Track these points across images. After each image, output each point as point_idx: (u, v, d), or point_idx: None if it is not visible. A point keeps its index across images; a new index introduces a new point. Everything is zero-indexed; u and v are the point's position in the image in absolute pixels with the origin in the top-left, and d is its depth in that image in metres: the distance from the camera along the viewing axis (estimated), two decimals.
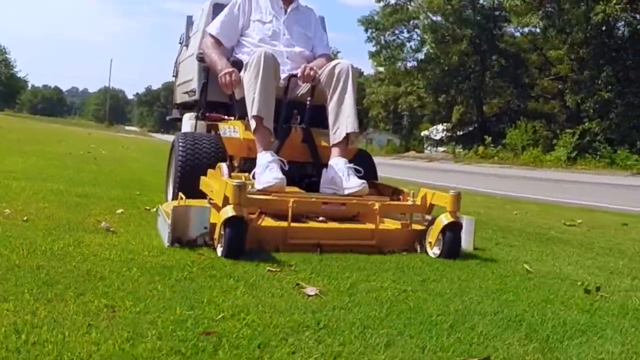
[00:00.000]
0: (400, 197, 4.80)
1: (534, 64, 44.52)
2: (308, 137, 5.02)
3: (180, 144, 5.10)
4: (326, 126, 5.06)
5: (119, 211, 5.22)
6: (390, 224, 4.57)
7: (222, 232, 3.73)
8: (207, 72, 5.53)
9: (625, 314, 3.18)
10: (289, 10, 5.57)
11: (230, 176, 4.53)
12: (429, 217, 4.60)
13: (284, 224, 4.13)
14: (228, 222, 3.69)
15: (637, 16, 36.39)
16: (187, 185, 4.79)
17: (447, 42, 51.44)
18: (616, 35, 37.74)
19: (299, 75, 4.93)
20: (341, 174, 4.62)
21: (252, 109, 4.62)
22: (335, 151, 4.84)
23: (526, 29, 44.36)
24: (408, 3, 53.97)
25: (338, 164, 4.71)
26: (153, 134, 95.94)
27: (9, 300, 2.44)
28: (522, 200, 11.54)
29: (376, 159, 5.98)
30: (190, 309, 2.60)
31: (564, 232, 6.58)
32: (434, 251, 4.31)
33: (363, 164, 4.97)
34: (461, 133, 52.99)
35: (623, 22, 36.86)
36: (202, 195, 4.61)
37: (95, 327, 2.21)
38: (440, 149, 54.87)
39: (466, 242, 4.51)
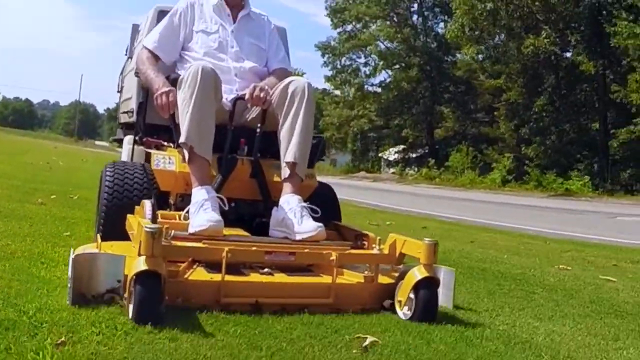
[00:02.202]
0: (365, 242, 4.02)
1: (488, 89, 44.95)
2: (257, 170, 4.23)
3: (108, 175, 4.26)
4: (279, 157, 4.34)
5: (53, 196, 8.52)
6: (351, 277, 3.76)
7: (132, 289, 2.97)
8: (146, 90, 4.70)
9: None
10: (238, 17, 4.74)
11: (154, 217, 3.69)
12: (398, 268, 3.85)
13: (216, 277, 3.36)
14: (138, 277, 2.92)
15: (565, 51, 38.78)
16: (113, 225, 4.04)
17: (398, 69, 54.75)
18: (549, 65, 39.27)
19: (246, 97, 4.15)
20: (292, 215, 3.84)
21: (183, 135, 3.87)
22: (287, 187, 4.06)
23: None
24: (361, 31, 55.82)
25: (290, 202, 3.93)
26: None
27: None
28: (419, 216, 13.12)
29: (324, 178, 5.26)
30: None
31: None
32: (404, 311, 3.53)
33: (324, 201, 4.23)
34: (414, 155, 54.57)
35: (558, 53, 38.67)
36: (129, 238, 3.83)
37: None
38: (392, 169, 55.77)
39: (444, 298, 3.78)
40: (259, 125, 4.26)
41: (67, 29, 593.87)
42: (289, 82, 4.21)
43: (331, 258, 3.56)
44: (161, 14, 5.15)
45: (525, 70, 39.81)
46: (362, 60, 58.32)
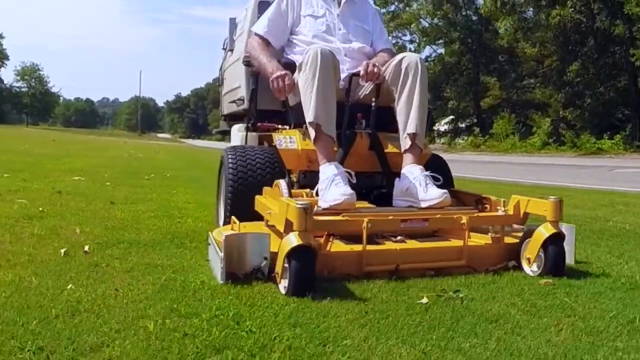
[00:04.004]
0: (487, 206, 3.92)
1: (529, 57, 44.39)
2: (375, 143, 4.14)
3: (230, 159, 4.17)
4: (394, 130, 4.19)
5: (152, 175, 10.92)
6: (479, 239, 3.65)
7: (287, 265, 2.90)
8: (255, 77, 4.61)
9: None
10: (342, 2, 4.66)
11: (290, 194, 3.64)
12: (517, 227, 3.80)
13: (357, 247, 3.30)
14: (293, 252, 2.87)
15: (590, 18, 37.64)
16: (240, 207, 3.95)
17: (440, 44, 54.03)
18: (580, 32, 38.73)
19: (361, 73, 4.06)
20: (417, 184, 3.73)
21: (310, 115, 3.77)
22: (408, 158, 3.95)
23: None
24: (402, 11, 54.56)
25: (413, 172, 3.82)
26: (184, 140, 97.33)
27: None
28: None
29: None
30: None
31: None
32: (532, 268, 3.43)
33: (437, 170, 4.04)
34: (462, 125, 53.98)
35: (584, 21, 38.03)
36: (258, 217, 3.75)
37: None
38: (442, 140, 55.00)
39: (568, 254, 3.59)
40: (373, 99, 4.16)
41: (119, 25, 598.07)
42: (402, 58, 4.12)
43: (462, 222, 3.47)
44: (262, 4, 5.08)
45: (556, 38, 39.37)
46: (408, 37, 56.97)
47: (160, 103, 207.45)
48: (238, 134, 5.00)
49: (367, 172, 4.14)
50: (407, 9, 54.18)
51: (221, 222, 4.38)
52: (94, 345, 2.08)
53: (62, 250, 3.59)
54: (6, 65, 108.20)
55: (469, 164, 20.02)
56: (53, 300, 2.58)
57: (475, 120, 51.55)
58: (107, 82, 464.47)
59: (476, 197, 4.08)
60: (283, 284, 2.93)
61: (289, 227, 3.02)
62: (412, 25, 54.15)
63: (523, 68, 45.24)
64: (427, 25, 53.94)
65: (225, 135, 6.68)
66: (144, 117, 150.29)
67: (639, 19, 32.24)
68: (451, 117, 54.33)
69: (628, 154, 29.93)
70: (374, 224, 3.31)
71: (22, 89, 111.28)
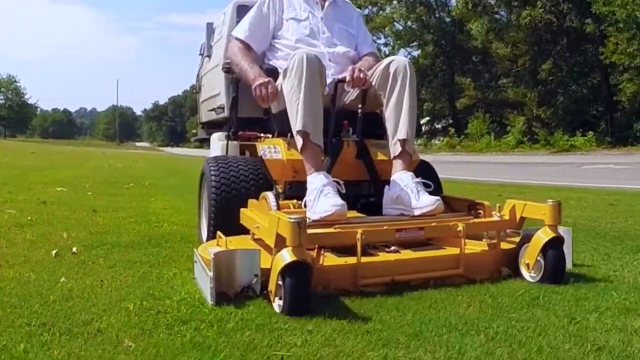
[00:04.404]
0: (481, 211, 3.72)
1: (502, 57, 44.68)
2: (362, 150, 3.96)
3: (212, 170, 3.92)
4: (380, 136, 4.05)
5: (131, 184, 11.10)
6: (475, 246, 3.48)
7: (281, 283, 2.72)
8: (236, 84, 4.40)
9: None
10: (326, 5, 4.46)
11: (278, 207, 3.43)
12: (511, 232, 3.66)
13: (352, 260, 3.10)
14: (288, 269, 2.68)
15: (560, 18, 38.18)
16: (225, 220, 3.73)
17: (414, 46, 54.10)
18: (551, 31, 39.18)
19: (347, 79, 3.86)
20: (409, 191, 3.56)
21: (296, 124, 3.57)
22: (397, 164, 3.78)
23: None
24: (376, 14, 54.37)
25: (403, 179, 3.64)
26: (162, 148, 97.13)
27: None
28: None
29: None
30: None
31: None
32: (531, 274, 3.28)
33: (426, 176, 3.85)
34: (439, 126, 53.92)
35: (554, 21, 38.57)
36: (242, 230, 3.57)
37: None
38: (418, 141, 54.94)
39: (566, 258, 3.43)
40: (359, 106, 3.97)
41: (94, 35, 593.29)
42: (390, 62, 3.94)
43: (458, 229, 3.30)
44: (241, 8, 4.84)
45: (528, 38, 39.92)
46: (382, 40, 56.66)
47: (138, 112, 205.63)
48: (218, 142, 4.72)
49: (354, 181, 3.96)
50: (381, 12, 54.32)
51: (204, 236, 4.15)
52: (85, 320, 2.57)
53: (53, 252, 4.07)
54: None
55: (445, 165, 19.87)
56: (49, 290, 3.07)
57: (450, 121, 51.82)
58: (84, 92, 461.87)
59: (468, 202, 3.88)
60: (278, 303, 2.74)
61: (280, 242, 2.84)
62: (386, 29, 54.25)
63: (498, 68, 45.57)
64: (400, 28, 54.13)
65: (203, 143, 6.44)
66: (122, 126, 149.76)
67: (607, 17, 32.41)
68: (427, 118, 54.28)
69: (599, 150, 30.42)
70: (369, 235, 3.13)
71: None
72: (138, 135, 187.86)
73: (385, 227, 3.27)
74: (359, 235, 3.05)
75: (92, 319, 2.59)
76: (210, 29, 5.50)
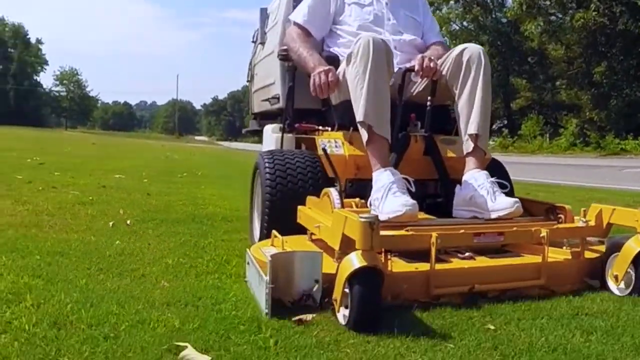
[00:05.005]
0: (561, 215, 3.25)
1: (557, 59, 43.67)
2: (431, 147, 3.55)
3: (267, 165, 3.55)
4: (448, 131, 3.67)
5: (185, 174, 11.58)
6: (557, 254, 3.03)
7: (348, 291, 2.32)
8: (292, 73, 4.03)
9: None
10: None
11: (342, 205, 2.98)
12: (593, 240, 3.23)
13: (423, 266, 2.70)
14: (357, 276, 2.28)
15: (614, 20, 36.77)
16: (280, 219, 3.37)
17: None
18: (605, 33, 37.79)
19: (416, 68, 3.46)
20: (484, 192, 3.18)
21: (361, 114, 3.18)
22: (470, 162, 3.38)
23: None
24: (435, 14, 53.61)
25: (477, 178, 3.26)
26: (220, 142, 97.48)
27: None
28: None
29: None
30: None
31: None
32: (620, 287, 2.84)
33: (497, 176, 3.42)
34: (494, 127, 52.27)
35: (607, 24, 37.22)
36: (300, 230, 3.22)
37: None
38: None
39: None
40: (429, 98, 3.54)
41: (155, 31, 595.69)
42: (463, 50, 3.52)
43: (541, 235, 2.86)
44: None
45: (581, 41, 38.70)
46: None
47: (198, 106, 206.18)
48: (272, 135, 4.30)
49: (421, 179, 3.50)
50: (437, 12, 52.90)
51: (257, 235, 3.79)
52: (133, 268, 3.23)
53: (111, 223, 4.71)
54: (45, 70, 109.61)
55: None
56: (106, 248, 3.72)
57: (505, 122, 50.92)
58: (144, 86, 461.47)
59: (547, 205, 3.41)
60: (343, 313, 2.35)
61: (346, 244, 2.48)
62: (443, 29, 53.45)
63: (554, 69, 44.23)
64: (457, 28, 53.15)
65: (255, 135, 6.15)
66: (181, 120, 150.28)
67: None
68: None
69: None
70: (444, 239, 2.69)
71: (61, 93, 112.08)
72: (197, 129, 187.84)
73: (462, 231, 2.85)
74: (433, 239, 2.63)
75: (139, 267, 3.26)
76: (264, 14, 5.12)
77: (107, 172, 10.40)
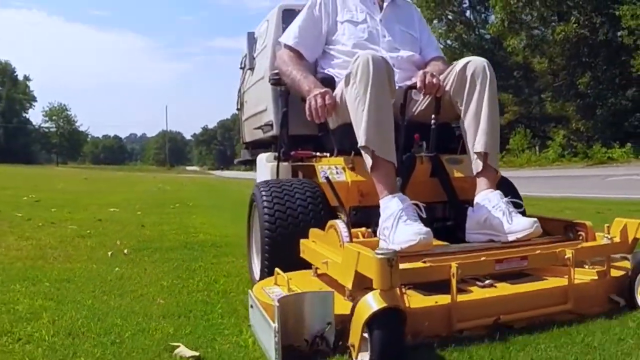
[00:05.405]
0: (581, 233, 3.00)
1: (541, 72, 43.48)
2: (437, 167, 3.32)
3: (265, 196, 3.29)
4: (452, 150, 3.43)
5: (177, 204, 11.71)
6: (582, 275, 2.77)
7: (367, 336, 2.05)
8: (285, 97, 3.76)
9: None
10: (384, 5, 3.81)
11: (351, 238, 2.68)
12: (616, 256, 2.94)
13: (442, 299, 2.42)
14: (377, 319, 2.02)
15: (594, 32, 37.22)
16: (281, 253, 3.12)
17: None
18: (587, 44, 38.12)
19: (418, 85, 3.22)
20: (499, 213, 2.93)
21: (364, 139, 2.93)
22: (482, 182, 3.13)
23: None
24: None
25: (491, 199, 3.01)
26: (212, 172, 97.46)
27: None
28: None
29: None
30: None
31: None
32: None
33: (508, 194, 3.17)
34: None
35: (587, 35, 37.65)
36: (304, 265, 2.96)
37: None
38: None
39: None
40: (433, 116, 3.31)
41: (141, 62, 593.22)
42: (466, 64, 3.27)
43: (567, 256, 2.61)
44: (287, 12, 4.22)
45: (563, 53, 38.74)
46: None
47: (188, 136, 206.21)
48: (267, 164, 4.04)
49: (428, 203, 3.16)
50: None
51: (257, 272, 3.53)
52: (132, 289, 3.59)
53: (109, 253, 5.04)
54: (34, 106, 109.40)
55: None
56: (107, 274, 4.09)
57: None
58: (133, 119, 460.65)
59: (565, 222, 3.15)
60: (361, 359, 2.08)
61: (360, 282, 2.26)
62: None
63: (540, 82, 44.23)
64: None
65: (247, 165, 5.83)
66: (172, 151, 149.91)
67: (636, 30, 31.86)
68: None
69: (636, 162, 29.51)
70: (465, 269, 2.43)
71: (51, 129, 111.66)
72: (188, 160, 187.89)
73: (483, 258, 2.58)
74: (454, 270, 2.38)
75: (137, 289, 3.63)
76: (251, 38, 4.83)
77: (101, 207, 10.61)
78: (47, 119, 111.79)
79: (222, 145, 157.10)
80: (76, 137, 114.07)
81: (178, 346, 2.42)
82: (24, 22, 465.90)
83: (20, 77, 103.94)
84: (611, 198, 10.47)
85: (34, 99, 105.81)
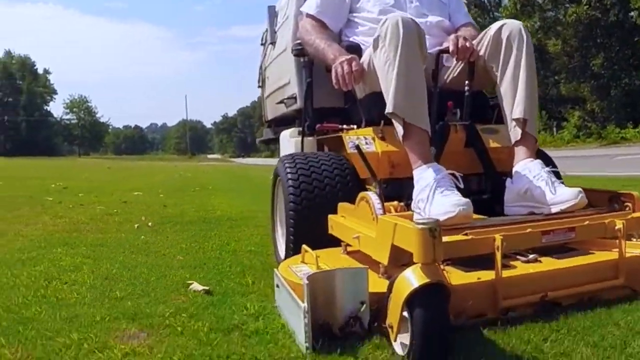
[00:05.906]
0: (628, 204, 2.70)
1: (556, 53, 42.95)
2: (473, 137, 3.06)
3: (289, 170, 3.07)
4: (487, 119, 3.21)
5: (197, 188, 12.10)
6: (634, 248, 2.50)
7: (407, 315, 1.83)
8: (309, 68, 3.51)
9: None
10: None
11: (384, 211, 2.42)
12: None
13: (486, 275, 2.19)
14: (419, 296, 1.80)
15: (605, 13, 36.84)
16: (307, 230, 2.91)
17: None
18: (600, 26, 37.68)
19: (450, 49, 2.99)
20: (542, 183, 2.67)
21: (395, 104, 2.68)
22: (520, 151, 2.88)
23: None
24: None
25: (532, 169, 2.76)
26: (233, 159, 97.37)
27: None
28: None
29: None
30: None
31: None
32: None
33: (546, 164, 2.92)
34: None
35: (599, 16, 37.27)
36: (332, 242, 2.76)
37: None
38: None
39: None
40: (466, 83, 3.07)
41: (159, 53, 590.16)
42: (501, 26, 3.04)
43: (617, 227, 2.37)
44: None
45: (576, 34, 38.38)
46: None
47: (208, 125, 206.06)
48: (290, 140, 3.83)
49: (463, 175, 2.85)
50: None
51: (282, 251, 3.31)
52: (156, 250, 4.21)
53: (136, 226, 5.63)
54: (55, 99, 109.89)
55: None
56: (134, 241, 4.68)
57: None
58: (154, 109, 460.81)
59: (610, 193, 2.87)
60: (401, 341, 1.87)
61: (397, 257, 2.07)
62: None
63: (556, 64, 43.18)
64: None
65: (270, 144, 5.57)
66: (193, 139, 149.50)
67: None
68: None
69: None
70: (510, 241, 2.19)
71: (72, 121, 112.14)
72: (209, 148, 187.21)
73: (529, 230, 2.33)
74: (498, 243, 2.15)
75: (160, 249, 4.22)
76: (272, 12, 4.61)
77: (126, 191, 11.01)
78: (68, 111, 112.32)
79: (243, 132, 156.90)
80: (97, 129, 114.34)
81: (192, 283, 3.02)
82: (40, 17, 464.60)
83: (40, 71, 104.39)
84: (616, 175, 10.62)
85: (54, 91, 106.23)
